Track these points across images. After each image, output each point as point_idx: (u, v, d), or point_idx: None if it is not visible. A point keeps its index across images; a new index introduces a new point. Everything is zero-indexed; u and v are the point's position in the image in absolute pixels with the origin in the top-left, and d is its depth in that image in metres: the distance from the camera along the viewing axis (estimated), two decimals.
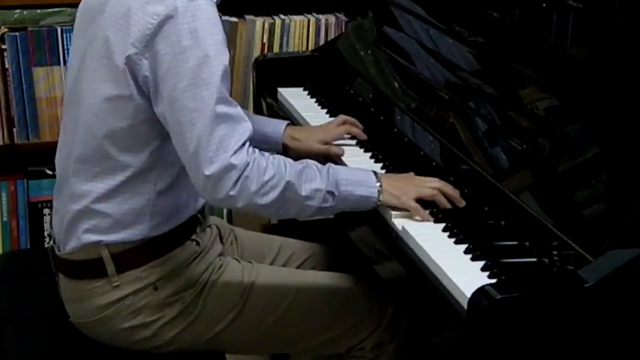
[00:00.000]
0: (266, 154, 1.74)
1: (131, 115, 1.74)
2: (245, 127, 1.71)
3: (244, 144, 1.69)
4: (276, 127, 2.17)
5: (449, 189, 1.83)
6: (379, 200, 1.80)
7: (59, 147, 1.91)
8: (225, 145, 1.66)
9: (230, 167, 1.67)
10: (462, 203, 1.82)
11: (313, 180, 1.75)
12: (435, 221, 1.77)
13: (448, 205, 1.81)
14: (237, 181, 1.67)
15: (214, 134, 1.66)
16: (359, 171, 1.83)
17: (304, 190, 1.74)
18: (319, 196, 1.75)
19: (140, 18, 1.67)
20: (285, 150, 2.17)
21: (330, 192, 1.76)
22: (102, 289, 1.84)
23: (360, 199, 1.79)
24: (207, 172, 1.66)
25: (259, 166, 1.70)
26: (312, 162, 1.79)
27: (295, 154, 2.18)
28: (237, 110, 1.71)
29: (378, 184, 1.80)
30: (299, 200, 1.74)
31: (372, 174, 1.82)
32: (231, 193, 1.68)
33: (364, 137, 2.15)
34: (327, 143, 2.13)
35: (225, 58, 1.69)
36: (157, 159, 1.78)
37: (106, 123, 1.76)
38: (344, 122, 2.17)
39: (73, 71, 1.84)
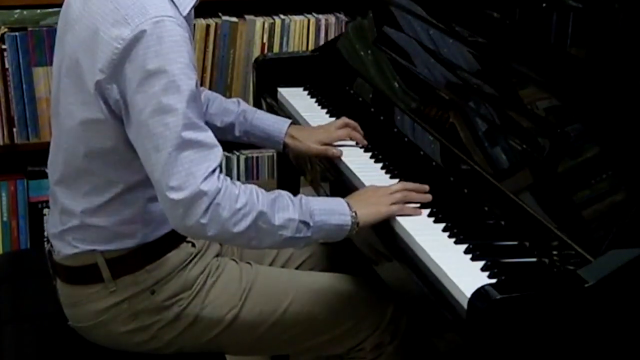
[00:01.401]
0: (237, 182, 1.71)
1: (111, 137, 1.72)
2: (216, 153, 1.67)
3: (214, 170, 1.65)
4: (279, 125, 2.16)
5: (410, 185, 1.84)
6: (357, 226, 1.77)
7: (50, 155, 1.89)
8: (195, 172, 1.63)
9: (200, 194, 1.63)
10: (427, 192, 1.84)
11: (286, 209, 1.72)
12: (435, 221, 1.77)
13: (420, 199, 1.82)
14: (207, 208, 1.63)
15: (181, 160, 1.62)
16: (331, 200, 1.81)
17: (277, 219, 1.70)
18: (292, 226, 1.72)
19: (107, 42, 1.64)
20: (285, 149, 2.17)
21: (305, 222, 1.73)
22: (99, 294, 1.83)
23: (335, 228, 1.76)
24: (175, 198, 1.62)
25: (231, 193, 1.66)
26: (284, 193, 1.76)
27: (295, 153, 2.18)
28: (207, 135, 1.67)
29: (352, 212, 1.77)
30: (272, 230, 1.70)
31: (343, 201, 1.79)
32: (202, 221, 1.64)
33: (364, 142, 2.15)
34: (326, 144, 2.13)
35: (192, 82, 1.65)
36: (144, 173, 1.73)
37: (87, 145, 1.74)
38: (346, 125, 2.16)
39: (55, 80, 1.83)
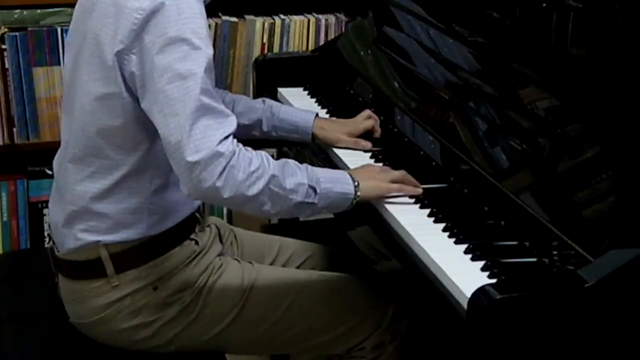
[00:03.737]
0: (249, 147, 1.74)
1: (122, 114, 1.75)
2: (231, 120, 1.71)
3: (228, 136, 1.69)
4: (306, 117, 2.19)
5: (411, 179, 1.89)
6: (357, 196, 1.82)
7: (59, 150, 1.91)
8: (211, 135, 1.65)
9: (217, 155, 1.65)
10: (423, 192, 1.87)
11: (294, 174, 1.76)
12: (435, 221, 1.78)
13: (416, 184, 1.86)
14: (223, 170, 1.66)
15: (198, 123, 1.65)
16: (334, 170, 1.87)
17: (288, 183, 1.74)
18: (302, 190, 1.76)
19: (127, 14, 1.68)
20: (314, 140, 2.19)
21: (312, 188, 1.77)
22: (102, 289, 1.84)
23: (339, 195, 1.80)
24: (191, 159, 1.64)
25: (245, 156, 1.69)
26: (290, 160, 1.80)
27: (324, 144, 2.20)
28: (222, 106, 1.71)
29: (355, 182, 1.82)
30: (283, 194, 1.74)
31: (345, 172, 1.85)
32: (217, 184, 1.66)
33: (377, 136, 2.18)
34: (353, 135, 2.16)
35: (209, 52, 1.70)
36: (151, 158, 1.78)
37: (98, 121, 1.77)
38: (370, 117, 2.20)
39: (68, 71, 1.86)
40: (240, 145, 1.71)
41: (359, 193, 1.82)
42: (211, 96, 1.69)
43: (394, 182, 1.85)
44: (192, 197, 1.75)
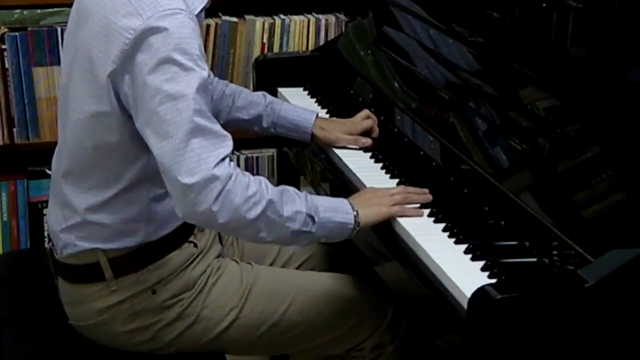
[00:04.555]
0: (246, 172, 1.71)
1: (117, 131, 1.73)
2: (227, 142, 1.67)
3: (224, 158, 1.65)
4: (306, 116, 2.19)
5: (410, 188, 1.85)
6: (358, 226, 1.78)
7: (57, 149, 1.90)
8: (206, 157, 1.62)
9: (212, 178, 1.62)
10: (429, 197, 1.84)
11: (293, 202, 1.72)
12: (435, 221, 1.77)
13: (421, 200, 1.83)
14: (219, 194, 1.62)
15: (192, 145, 1.62)
16: (333, 199, 1.82)
17: (286, 211, 1.70)
18: (300, 218, 1.72)
19: (119, 33, 1.65)
20: (313, 140, 2.19)
21: (311, 217, 1.73)
22: (100, 293, 1.83)
23: (339, 225, 1.76)
24: (186, 182, 1.61)
25: (242, 181, 1.66)
26: (290, 187, 1.76)
27: (323, 144, 2.20)
28: (218, 127, 1.68)
29: (354, 211, 1.78)
30: (280, 222, 1.70)
31: (345, 201, 1.80)
32: (213, 208, 1.62)
33: (375, 135, 2.18)
34: (352, 135, 2.16)
35: (203, 72, 1.66)
36: (149, 169, 1.75)
37: (94, 137, 1.75)
38: (368, 117, 2.19)
39: (64, 76, 1.84)
40: (238, 168, 1.68)
41: (359, 222, 1.78)
42: (206, 117, 1.65)
43: (396, 202, 1.81)
44: (186, 220, 1.72)
